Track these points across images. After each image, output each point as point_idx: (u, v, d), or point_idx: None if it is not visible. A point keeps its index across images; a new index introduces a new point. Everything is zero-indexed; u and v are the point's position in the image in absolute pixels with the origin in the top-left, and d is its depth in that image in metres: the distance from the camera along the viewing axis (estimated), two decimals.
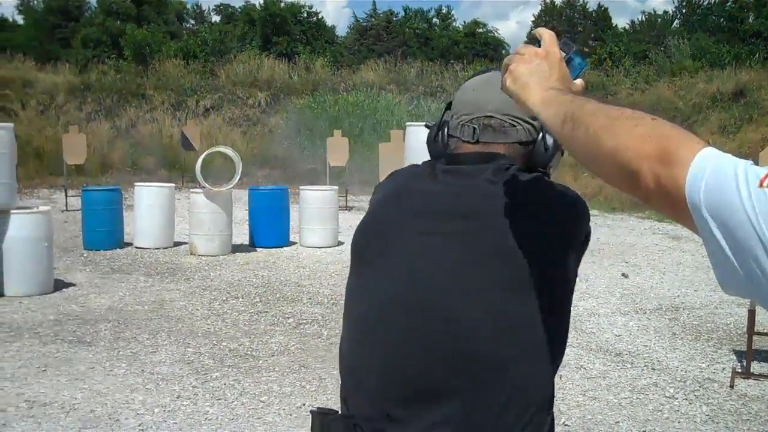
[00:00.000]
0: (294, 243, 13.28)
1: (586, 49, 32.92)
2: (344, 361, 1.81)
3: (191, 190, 13.18)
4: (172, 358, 6.95)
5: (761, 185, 1.02)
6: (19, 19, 41.91)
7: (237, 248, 12.62)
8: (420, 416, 1.62)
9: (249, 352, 7.16)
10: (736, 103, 22.62)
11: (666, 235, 15.00)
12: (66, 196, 17.21)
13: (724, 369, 6.93)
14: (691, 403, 6.07)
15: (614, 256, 12.65)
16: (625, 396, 6.20)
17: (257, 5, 40.43)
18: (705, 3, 37.98)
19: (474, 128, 1.79)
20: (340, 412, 1.77)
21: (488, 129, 1.79)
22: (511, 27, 79.47)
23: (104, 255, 11.93)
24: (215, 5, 45.84)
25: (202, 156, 12.43)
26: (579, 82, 1.54)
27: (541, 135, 1.79)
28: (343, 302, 1.87)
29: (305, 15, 41.29)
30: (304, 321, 8.29)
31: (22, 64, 27.17)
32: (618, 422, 5.66)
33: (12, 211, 9.20)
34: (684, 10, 39.12)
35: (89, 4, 39.61)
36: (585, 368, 6.87)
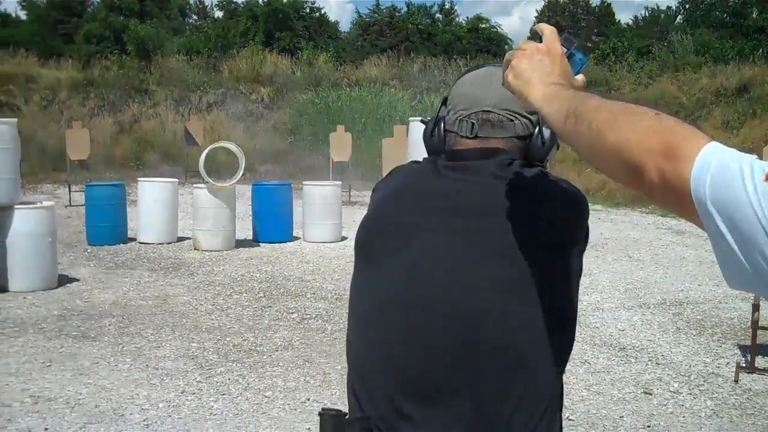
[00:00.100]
0: (297, 238, 13.28)
1: (589, 45, 32.88)
2: (352, 358, 1.80)
3: (194, 185, 13.18)
4: (176, 353, 6.95)
5: (767, 179, 1.01)
6: (22, 15, 41.90)
7: (240, 243, 12.62)
8: (431, 415, 1.62)
9: (253, 347, 7.16)
10: (740, 99, 22.58)
11: (670, 230, 14.99)
12: (69, 191, 17.22)
13: (728, 363, 6.93)
14: (695, 398, 6.07)
15: (618, 251, 12.65)
16: (629, 391, 6.20)
17: (260, 1, 40.38)
18: None
19: (472, 123, 1.79)
20: (348, 407, 1.76)
21: (486, 123, 1.79)
22: (513, 22, 79.22)
23: (108, 250, 11.94)
24: (218, 1, 45.76)
25: (206, 151, 12.43)
26: (580, 77, 1.54)
27: (537, 129, 1.79)
28: (347, 297, 1.87)
29: (308, 10, 41.22)
30: (308, 316, 8.30)
31: (25, 60, 27.15)
32: (622, 417, 5.65)
33: (16, 207, 9.21)
34: (687, 6, 39.01)
35: (92, 0, 39.62)
36: (589, 363, 6.87)
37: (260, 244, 12.79)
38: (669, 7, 42.16)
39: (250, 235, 13.13)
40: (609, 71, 27.21)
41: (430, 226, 1.71)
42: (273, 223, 13.00)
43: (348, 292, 1.87)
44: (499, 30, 43.51)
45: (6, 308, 8.38)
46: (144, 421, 5.38)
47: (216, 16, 43.55)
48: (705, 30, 31.58)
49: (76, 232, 13.17)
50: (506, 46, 39.90)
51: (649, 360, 7.01)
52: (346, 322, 1.87)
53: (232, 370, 6.49)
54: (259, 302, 8.89)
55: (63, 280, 9.64)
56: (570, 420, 5.54)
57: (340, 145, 18.28)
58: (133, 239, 12.68)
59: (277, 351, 7.07)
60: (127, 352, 6.95)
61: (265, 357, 6.88)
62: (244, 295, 9.23)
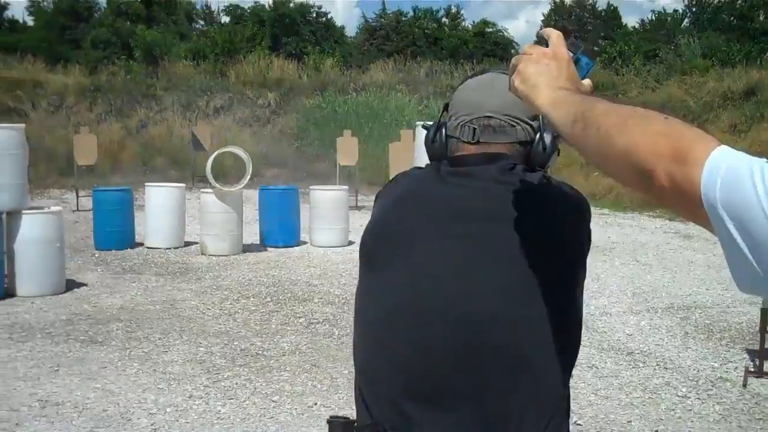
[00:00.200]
0: (304, 243, 13.29)
1: (596, 48, 32.87)
2: (359, 363, 1.80)
3: (202, 190, 13.20)
4: (183, 357, 6.96)
5: None
6: (30, 21, 42.06)
7: (247, 248, 12.63)
8: (438, 419, 1.62)
9: (260, 352, 7.17)
10: (747, 102, 22.52)
11: (677, 233, 14.96)
12: (77, 196, 17.26)
13: (736, 368, 6.91)
14: (703, 403, 6.05)
15: (625, 255, 12.62)
16: (637, 395, 6.19)
17: (267, 6, 40.49)
18: (715, 1, 37.86)
19: (474, 128, 1.79)
20: (356, 412, 1.76)
21: (488, 129, 1.79)
22: (520, 26, 79.27)
23: (115, 255, 11.95)
24: (225, 6, 45.90)
25: (213, 156, 12.44)
26: (587, 82, 1.54)
27: (538, 135, 1.79)
28: (353, 301, 1.87)
29: (314, 15, 41.31)
30: (316, 320, 8.30)
31: (32, 65, 27.22)
32: (630, 421, 5.65)
33: (24, 212, 9.24)
34: (694, 9, 39.00)
35: (99, 6, 39.72)
36: (597, 367, 6.86)
37: (267, 248, 12.80)
38: (676, 11, 42.10)
39: (257, 240, 13.14)
40: (616, 75, 27.18)
41: (433, 232, 1.72)
42: (280, 228, 13.01)
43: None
44: (505, 34, 43.57)
45: (14, 313, 8.40)
46: (151, 425, 5.38)
47: (222, 21, 43.62)
48: (712, 33, 31.57)
49: (83, 237, 13.20)
50: (513, 50, 39.89)
51: (657, 364, 7.00)
52: (353, 327, 1.87)
53: (239, 375, 6.49)
54: (266, 307, 8.89)
55: (71, 285, 9.66)
56: (578, 425, 5.53)
57: (347, 149, 18.29)
58: (141, 244, 12.69)
59: (284, 355, 7.08)
60: (135, 356, 6.96)
61: (272, 361, 6.88)
62: (252, 299, 9.24)
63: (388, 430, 1.66)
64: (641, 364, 7.00)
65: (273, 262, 11.75)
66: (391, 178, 1.99)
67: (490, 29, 42.42)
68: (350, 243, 12.91)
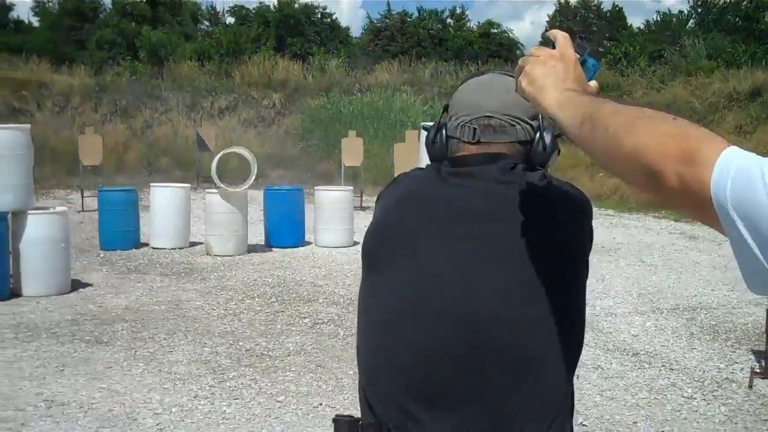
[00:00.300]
0: (309, 243, 13.29)
1: (601, 50, 32.82)
2: (362, 364, 1.81)
3: (207, 190, 13.20)
4: (189, 357, 6.97)
5: None
6: (35, 21, 42.17)
7: (252, 248, 12.64)
8: (442, 419, 1.63)
9: (265, 352, 7.17)
10: (753, 103, 22.48)
11: (683, 234, 14.94)
12: (82, 196, 17.27)
13: (742, 369, 6.90)
14: (709, 404, 6.04)
15: (631, 255, 12.61)
16: (642, 396, 6.18)
17: (271, 6, 40.52)
18: (720, 2, 37.81)
19: (474, 129, 1.80)
20: (360, 412, 1.77)
21: (488, 129, 1.80)
22: (525, 27, 79.28)
23: (120, 255, 11.96)
24: (230, 7, 45.95)
25: (218, 157, 12.45)
26: (594, 83, 1.54)
27: (539, 134, 1.80)
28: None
29: (319, 16, 41.35)
30: (321, 321, 8.30)
31: (37, 66, 27.27)
32: (636, 422, 5.64)
33: (29, 212, 9.25)
34: (699, 10, 38.95)
35: (104, 6, 39.81)
36: (602, 368, 6.85)
37: (272, 249, 12.80)
38: (681, 12, 42.02)
39: (262, 240, 13.15)
40: (621, 76, 27.16)
41: (434, 232, 1.72)
42: (285, 228, 13.01)
43: None
44: (510, 35, 43.54)
45: (19, 313, 8.41)
46: (157, 425, 5.39)
47: (227, 21, 43.68)
48: (717, 34, 31.52)
49: (88, 237, 13.21)
50: (518, 51, 39.91)
51: (663, 365, 6.99)
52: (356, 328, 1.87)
53: (244, 375, 6.50)
54: (271, 307, 8.89)
55: (76, 285, 9.67)
56: (583, 426, 5.53)
57: (352, 150, 18.29)
58: (146, 244, 12.70)
59: (289, 356, 7.08)
60: (140, 356, 6.97)
61: (277, 362, 6.89)
62: (257, 299, 9.24)
63: (391, 429, 1.66)
64: (647, 365, 6.99)
65: (278, 262, 11.76)
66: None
67: (495, 30, 42.42)
68: (355, 243, 12.90)
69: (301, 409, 5.77)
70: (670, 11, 47.92)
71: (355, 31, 62.84)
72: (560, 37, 1.54)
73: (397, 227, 1.79)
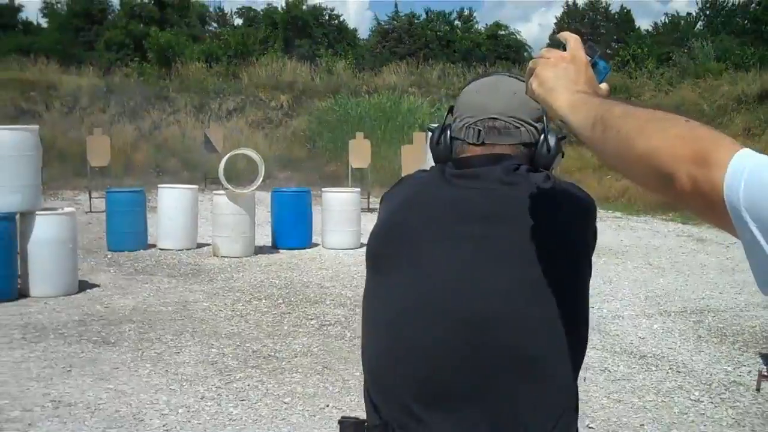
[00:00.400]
0: (316, 245, 13.30)
1: (608, 51, 32.80)
2: (367, 365, 1.81)
3: (214, 192, 13.22)
4: (195, 358, 6.97)
5: None
6: (44, 23, 42.29)
7: (260, 250, 12.65)
8: (447, 420, 1.63)
9: (272, 353, 7.17)
10: (762, 105, 22.42)
11: (690, 237, 14.91)
12: (90, 197, 17.32)
13: (750, 372, 6.88)
14: (716, 407, 6.03)
15: (638, 258, 12.59)
16: (650, 399, 6.16)
17: (279, 8, 40.58)
18: (729, 4, 37.76)
19: (479, 130, 1.81)
20: (366, 415, 1.77)
21: (493, 131, 1.81)
22: (533, 29, 79.31)
23: (128, 256, 11.98)
24: (237, 8, 46.07)
25: (225, 158, 12.47)
26: (604, 86, 1.54)
27: (543, 136, 1.81)
28: None
29: (327, 18, 41.39)
30: (327, 322, 8.30)
31: (46, 67, 27.35)
32: (643, 425, 5.62)
33: (37, 213, 9.27)
34: (708, 12, 38.90)
35: (112, 8, 39.90)
36: (609, 371, 6.83)
37: (279, 250, 12.81)
38: (689, 14, 41.98)
39: (269, 242, 13.16)
40: (629, 78, 27.13)
41: (439, 234, 1.73)
42: (292, 230, 13.03)
43: None
44: (518, 37, 43.54)
45: (27, 313, 8.43)
46: (164, 426, 5.39)
47: (235, 23, 43.76)
48: (726, 36, 31.49)
49: (96, 238, 13.24)
50: (525, 53, 39.89)
51: (670, 368, 6.97)
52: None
53: (251, 376, 6.50)
54: (278, 308, 8.90)
55: (83, 286, 9.69)
56: (590, 428, 5.52)
57: (359, 152, 18.30)
58: (153, 245, 12.72)
59: (296, 357, 7.08)
60: (147, 357, 6.97)
61: (284, 363, 6.89)
62: (264, 301, 9.25)
63: (396, 430, 1.66)
64: (654, 368, 6.97)
65: (285, 263, 11.76)
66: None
67: (503, 32, 42.44)
68: (362, 245, 12.87)
69: (307, 410, 5.77)
70: (678, 13, 47.88)
71: (363, 33, 62.98)
72: (571, 39, 1.55)
73: (401, 229, 1.79)
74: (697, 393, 6.31)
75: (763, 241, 1.03)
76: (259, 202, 13.39)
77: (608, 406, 5.96)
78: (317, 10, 40.33)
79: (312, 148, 24.56)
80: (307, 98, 26.77)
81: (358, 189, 14.50)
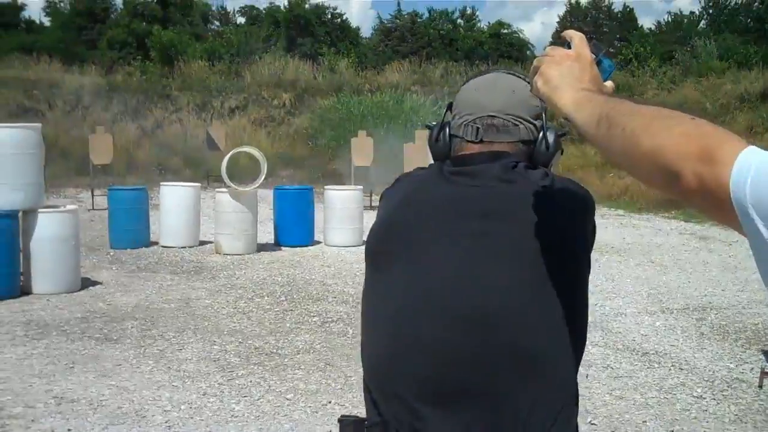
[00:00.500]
0: (319, 242, 13.31)
1: (612, 50, 32.78)
2: (366, 362, 1.82)
3: (217, 189, 13.24)
4: (198, 355, 6.98)
5: None
6: (46, 21, 42.33)
7: (262, 247, 12.65)
8: (448, 416, 1.63)
9: (274, 350, 7.18)
10: (764, 104, 22.40)
11: (693, 235, 14.90)
12: (92, 195, 17.34)
13: (752, 369, 6.87)
14: (719, 403, 6.02)
15: (641, 255, 12.58)
16: (652, 396, 6.16)
17: (282, 7, 40.59)
18: (732, 3, 37.72)
19: (477, 128, 1.81)
20: (366, 413, 1.77)
21: (491, 128, 1.81)
22: (535, 28, 79.32)
23: (130, 254, 11.99)
24: (240, 7, 46.10)
25: (228, 156, 12.47)
26: (609, 84, 1.54)
27: (541, 134, 1.81)
28: None
29: (330, 16, 41.39)
30: (330, 319, 8.30)
31: (48, 66, 27.36)
32: (645, 422, 5.62)
33: (40, 211, 9.28)
34: (710, 11, 38.86)
35: (115, 6, 39.93)
36: (612, 368, 6.83)
37: (282, 248, 12.82)
38: (692, 12, 41.94)
39: (271, 239, 13.16)
40: (632, 76, 27.10)
41: (438, 231, 1.73)
42: (294, 228, 13.03)
43: None
44: (520, 35, 43.56)
45: (30, 310, 8.43)
46: (166, 422, 5.40)
47: (238, 22, 43.77)
48: (729, 35, 31.46)
49: (98, 235, 13.24)
50: (528, 52, 39.87)
51: (672, 365, 6.97)
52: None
53: (253, 373, 6.50)
54: (280, 305, 8.90)
55: (86, 283, 9.70)
56: (592, 425, 5.52)
57: (362, 150, 18.29)
58: (156, 243, 12.72)
59: (298, 354, 7.09)
60: (150, 354, 6.98)
61: (286, 360, 6.89)
62: (266, 298, 9.25)
63: (397, 428, 1.66)
64: (656, 365, 6.97)
65: (287, 261, 11.77)
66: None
67: (506, 30, 42.44)
68: (364, 243, 12.87)
69: (309, 407, 5.77)
70: (681, 12, 47.78)
71: (366, 32, 62.97)
72: (576, 37, 1.55)
73: (400, 226, 1.79)
74: (699, 390, 6.31)
75: None
76: (261, 200, 13.39)
77: (611, 403, 5.96)
78: (320, 9, 40.34)
79: (314, 146, 24.55)
80: (309, 96, 26.76)
81: (361, 187, 14.49)
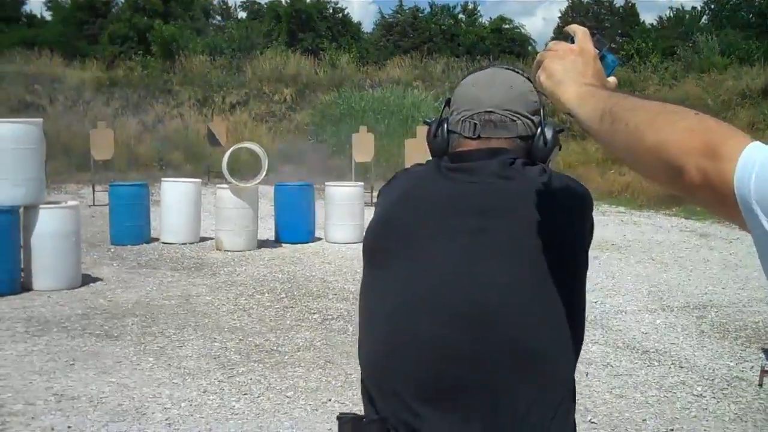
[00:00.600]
0: (319, 239, 13.31)
1: (613, 46, 32.74)
2: (364, 359, 1.82)
3: (217, 185, 13.24)
4: (198, 352, 6.98)
5: None
6: (48, 16, 42.30)
7: (262, 244, 12.65)
8: (447, 413, 1.63)
9: (275, 348, 7.18)
10: (766, 100, 22.39)
11: (693, 232, 14.89)
12: (93, 191, 17.33)
13: (752, 367, 6.87)
14: (719, 402, 6.02)
15: (641, 253, 12.58)
16: (652, 394, 6.16)
17: (283, 1, 40.50)
18: None
19: (475, 124, 1.81)
20: (363, 410, 1.77)
21: (489, 124, 1.81)
22: (537, 23, 79.19)
23: (131, 250, 12.00)
24: (241, 1, 46.01)
25: (229, 152, 12.47)
26: (612, 79, 1.54)
27: (539, 129, 1.81)
28: None
29: (331, 11, 41.32)
30: (330, 316, 8.30)
31: (50, 60, 27.38)
32: (645, 420, 5.62)
33: (41, 206, 9.28)
34: (712, 6, 38.79)
35: (116, 1, 39.88)
36: (612, 366, 6.83)
37: (282, 244, 12.82)
38: (694, 8, 41.94)
39: (272, 236, 13.17)
40: (633, 72, 27.08)
41: (435, 228, 1.73)
42: (295, 224, 13.03)
43: None
44: (522, 30, 43.53)
45: (30, 307, 8.44)
46: (166, 420, 5.40)
47: (239, 16, 43.73)
48: (730, 31, 31.40)
49: (99, 231, 13.25)
50: (530, 47, 39.81)
51: (672, 363, 6.97)
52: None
53: (253, 370, 6.50)
54: (281, 302, 8.91)
55: (86, 280, 9.70)
56: (592, 423, 5.52)
57: (363, 145, 18.28)
58: (156, 239, 12.73)
59: (298, 351, 7.09)
60: (150, 351, 6.98)
61: (286, 357, 6.89)
62: (266, 295, 9.25)
63: (394, 425, 1.66)
64: (656, 363, 6.97)
65: (288, 258, 11.77)
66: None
67: (507, 26, 42.40)
68: None
69: (310, 404, 5.78)
70: (683, 7, 47.76)
71: (367, 27, 62.90)
72: (579, 32, 1.55)
73: (397, 223, 1.79)
74: (699, 388, 6.31)
75: None
76: (262, 196, 13.39)
77: (610, 402, 5.96)
78: (321, 4, 40.26)
79: (315, 141, 24.54)
80: (310, 92, 26.76)
81: (362, 183, 14.50)
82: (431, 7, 43.08)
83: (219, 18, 44.73)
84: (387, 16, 43.52)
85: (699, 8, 40.57)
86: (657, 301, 9.32)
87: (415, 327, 1.67)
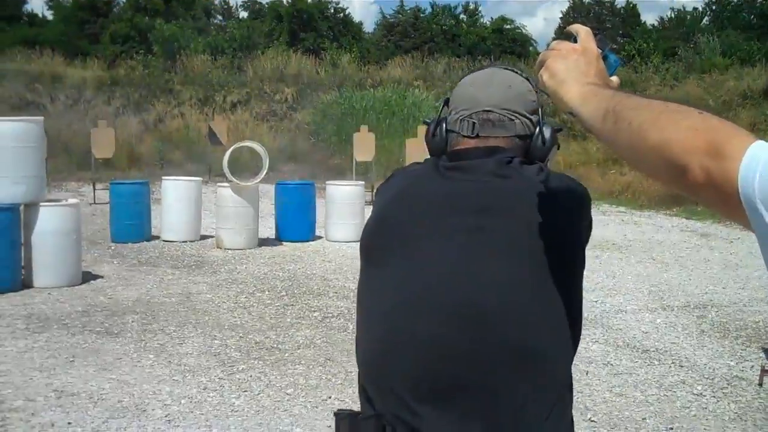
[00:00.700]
0: (320, 237, 13.31)
1: (614, 46, 32.72)
2: (361, 358, 1.82)
3: (218, 184, 13.23)
4: (198, 350, 6.98)
5: None
6: (49, 15, 42.29)
7: (263, 242, 12.66)
8: (445, 412, 1.63)
9: (275, 345, 7.18)
10: (767, 101, 22.38)
11: (694, 232, 14.89)
12: (94, 189, 17.33)
13: (752, 367, 6.87)
14: (719, 401, 6.02)
15: (642, 253, 12.57)
16: (652, 393, 6.16)
17: (284, 1, 40.47)
18: (735, 0, 37.62)
19: (473, 123, 1.82)
20: (361, 408, 1.77)
21: (487, 123, 1.82)
22: (538, 23, 79.06)
23: (131, 248, 12.00)
24: (243, 1, 46.01)
25: (230, 151, 12.48)
26: (615, 78, 1.54)
27: (538, 129, 1.82)
28: None
29: (332, 11, 41.28)
30: (330, 314, 8.31)
31: (51, 59, 27.40)
32: (645, 419, 5.62)
33: (41, 204, 9.28)
34: (714, 7, 38.77)
35: (118, 0, 39.87)
36: (612, 365, 6.83)
37: (283, 243, 12.82)
38: (695, 9, 41.93)
39: (272, 234, 13.17)
40: (634, 73, 27.07)
41: (432, 227, 1.73)
42: (296, 223, 13.03)
43: None
44: (523, 31, 43.49)
45: (31, 304, 8.44)
46: (166, 416, 5.40)
47: (241, 16, 43.71)
48: (732, 32, 31.39)
49: (100, 229, 13.25)
50: (531, 48, 39.81)
51: (673, 362, 6.97)
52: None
53: (253, 368, 6.51)
54: (281, 300, 8.91)
55: (87, 277, 9.70)
56: (592, 421, 5.52)
57: (364, 145, 18.28)
58: (157, 237, 12.73)
59: (298, 349, 7.09)
60: (150, 348, 6.98)
61: (286, 355, 6.90)
62: (267, 293, 9.26)
63: (390, 422, 1.66)
64: (656, 362, 6.97)
65: (288, 256, 11.77)
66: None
67: (509, 26, 42.36)
68: None
69: (309, 402, 5.78)
70: (684, 8, 47.76)
71: (368, 27, 62.91)
72: (582, 31, 1.55)
73: (395, 222, 1.80)
74: (699, 387, 6.31)
75: None
76: (262, 195, 13.40)
77: (610, 400, 5.96)
78: (322, 4, 40.24)
79: (316, 141, 24.55)
80: (311, 91, 26.76)
81: (362, 182, 14.49)
82: (432, 7, 43.05)
83: (220, 18, 44.70)
84: (388, 16, 43.51)
85: (700, 9, 40.57)
86: (657, 301, 9.32)
87: (413, 326, 1.67)
